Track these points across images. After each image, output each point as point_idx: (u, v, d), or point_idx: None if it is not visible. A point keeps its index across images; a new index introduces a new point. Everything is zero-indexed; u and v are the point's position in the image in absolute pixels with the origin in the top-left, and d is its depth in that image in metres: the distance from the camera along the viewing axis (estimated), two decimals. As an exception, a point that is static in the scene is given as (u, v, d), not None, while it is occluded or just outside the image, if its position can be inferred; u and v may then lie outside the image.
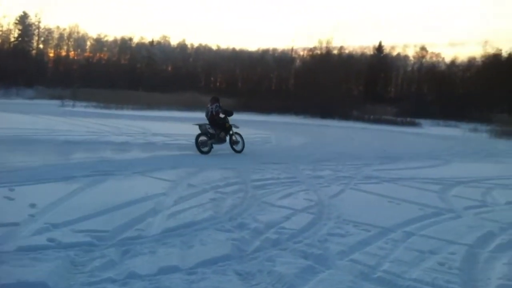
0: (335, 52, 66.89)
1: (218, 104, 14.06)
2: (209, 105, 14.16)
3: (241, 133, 14.36)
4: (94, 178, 8.50)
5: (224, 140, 14.04)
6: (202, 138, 13.56)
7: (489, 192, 9.77)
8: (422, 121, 41.38)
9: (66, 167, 9.49)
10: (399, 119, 42.64)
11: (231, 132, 14.08)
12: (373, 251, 5.49)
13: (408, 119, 41.75)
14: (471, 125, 36.81)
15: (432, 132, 33.30)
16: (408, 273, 4.84)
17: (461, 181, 10.97)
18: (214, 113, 13.92)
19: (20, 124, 18.30)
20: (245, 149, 14.24)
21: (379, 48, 74.56)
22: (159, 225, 5.95)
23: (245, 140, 14.41)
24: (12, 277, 4.08)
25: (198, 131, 13.71)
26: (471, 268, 5.10)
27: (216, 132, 13.77)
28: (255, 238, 5.70)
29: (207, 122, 13.94)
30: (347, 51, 70.64)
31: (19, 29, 69.14)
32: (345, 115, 41.96)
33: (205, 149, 13.43)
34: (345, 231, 6.19)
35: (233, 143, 14.08)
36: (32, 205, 6.33)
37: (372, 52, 75.14)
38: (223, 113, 14.09)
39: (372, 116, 43.13)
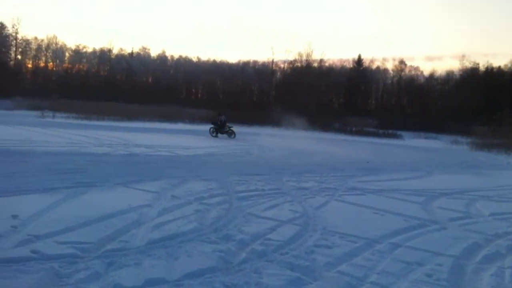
0: (315, 65, 67.60)
1: (223, 117, 26.58)
2: (221, 117, 26.60)
3: (234, 130, 26.53)
4: (75, 190, 8.35)
5: (225, 133, 26.10)
6: (213, 129, 26.49)
7: (472, 203, 9.84)
8: (403, 133, 41.78)
9: (47, 178, 9.28)
10: (380, 131, 42.99)
11: (226, 129, 26.32)
12: (360, 262, 5.47)
13: (390, 131, 42.11)
14: (452, 137, 37.26)
15: (413, 144, 33.64)
16: (396, 284, 4.84)
17: (444, 192, 11.04)
18: (223, 121, 26.43)
19: (-2, 135, 18.00)
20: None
21: (359, 61, 75.31)
22: (144, 236, 5.85)
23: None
24: (-6, 290, 3.98)
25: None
26: (459, 280, 5.11)
27: (220, 128, 26.26)
28: (241, 249, 5.64)
29: (213, 125, 26.60)
30: (327, 64, 71.45)
31: (-5, 40, 68.20)
32: (326, 127, 42.20)
33: (214, 135, 26.27)
34: (331, 243, 6.16)
35: (230, 134, 26.23)
36: (14, 216, 6.19)
37: (351, 65, 75.89)
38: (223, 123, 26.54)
39: (353, 128, 43.44)
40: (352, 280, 4.85)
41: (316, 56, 67.94)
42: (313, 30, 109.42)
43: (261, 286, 4.56)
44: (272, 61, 76.09)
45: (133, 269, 4.76)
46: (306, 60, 67.32)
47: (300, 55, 67.19)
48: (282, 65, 76.63)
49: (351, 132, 42.09)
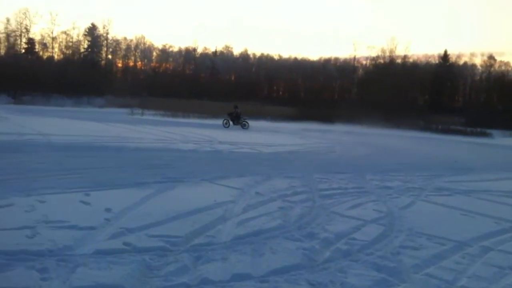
0: (399, 61, 65.86)
1: (239, 110, 29.96)
2: (237, 109, 29.87)
3: (249, 122, 29.63)
4: (164, 185, 8.66)
5: (239, 124, 29.15)
6: (226, 121, 29.74)
7: None
8: (493, 131, 39.84)
9: (138, 173, 9.72)
10: (468, 129, 41.25)
11: (241, 121, 29.37)
12: (449, 265, 5.30)
13: (478, 129, 40.32)
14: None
15: (505, 143, 32.01)
16: (488, 289, 4.64)
17: (539, 194, 10.44)
18: (239, 113, 29.68)
19: (92, 131, 19.05)
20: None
21: (445, 57, 72.28)
22: (229, 232, 5.97)
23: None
24: (90, 280, 4.20)
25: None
26: (557, 287, 4.82)
27: (235, 120, 29.47)
28: (326, 248, 5.62)
29: (228, 117, 29.77)
30: (411, 60, 69.34)
31: (88, 41, 71.93)
32: (410, 125, 41.07)
33: (227, 126, 29.20)
34: (418, 244, 6.00)
35: (243, 125, 29.06)
36: (108, 210, 6.51)
37: (437, 61, 73.03)
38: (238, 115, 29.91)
39: (439, 126, 41.98)
40: (441, 284, 4.71)
41: (399, 51, 66.30)
42: (397, 25, 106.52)
43: (347, 285, 4.53)
44: (354, 57, 74.99)
45: (220, 264, 4.87)
46: (390, 56, 65.93)
47: (383, 51, 65.94)
48: (364, 62, 75.37)
49: (436, 130, 40.70)
